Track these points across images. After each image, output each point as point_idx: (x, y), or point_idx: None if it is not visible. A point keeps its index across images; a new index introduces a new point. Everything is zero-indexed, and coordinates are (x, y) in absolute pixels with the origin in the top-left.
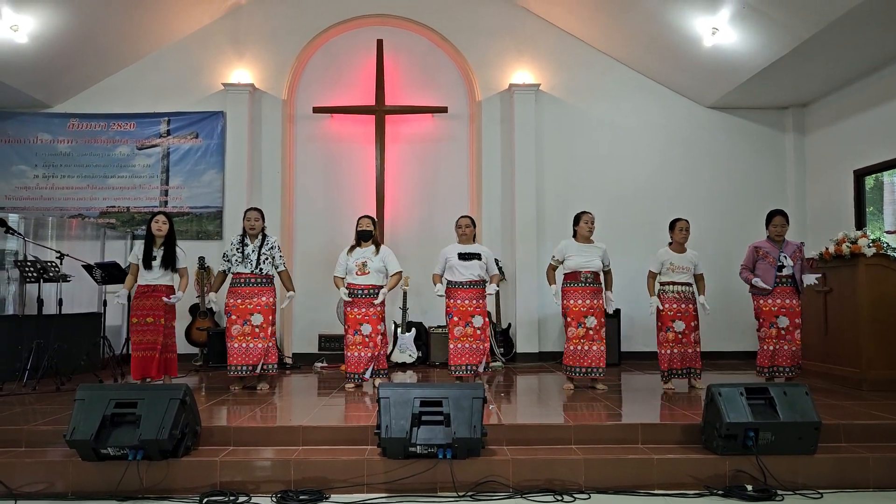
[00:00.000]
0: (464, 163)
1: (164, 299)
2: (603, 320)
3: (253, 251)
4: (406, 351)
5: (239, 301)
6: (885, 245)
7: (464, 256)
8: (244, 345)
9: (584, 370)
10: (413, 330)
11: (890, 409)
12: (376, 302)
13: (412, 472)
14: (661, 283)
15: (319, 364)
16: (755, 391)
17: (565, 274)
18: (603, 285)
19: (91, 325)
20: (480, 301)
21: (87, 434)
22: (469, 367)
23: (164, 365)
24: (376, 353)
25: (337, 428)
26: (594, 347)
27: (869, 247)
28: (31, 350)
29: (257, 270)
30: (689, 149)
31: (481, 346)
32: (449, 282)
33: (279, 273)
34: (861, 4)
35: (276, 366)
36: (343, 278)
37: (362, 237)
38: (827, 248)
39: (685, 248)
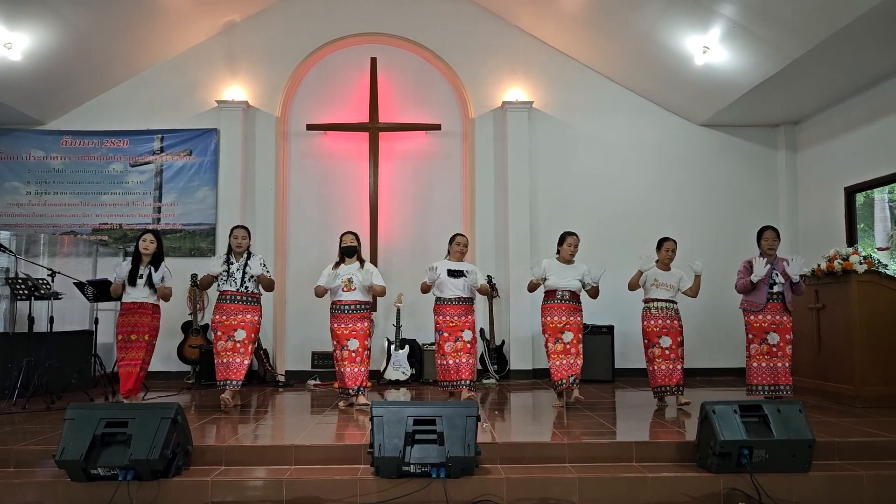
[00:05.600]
0: (457, 180)
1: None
2: (580, 336)
3: (238, 269)
4: (399, 368)
5: (224, 318)
6: (876, 262)
7: (453, 273)
8: (227, 360)
9: (569, 380)
10: (406, 347)
11: (884, 427)
12: (376, 280)
13: (406, 491)
14: (646, 301)
15: (313, 381)
16: (749, 409)
17: (545, 292)
18: (581, 304)
19: (82, 342)
20: (469, 317)
21: (77, 454)
22: (462, 383)
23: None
24: (365, 368)
25: (330, 447)
26: (572, 360)
27: (860, 263)
28: (22, 368)
29: (242, 288)
30: (682, 166)
31: (471, 360)
32: (437, 298)
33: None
34: (850, 24)
35: (240, 382)
36: (325, 288)
37: (346, 253)
38: (819, 265)
39: (671, 267)
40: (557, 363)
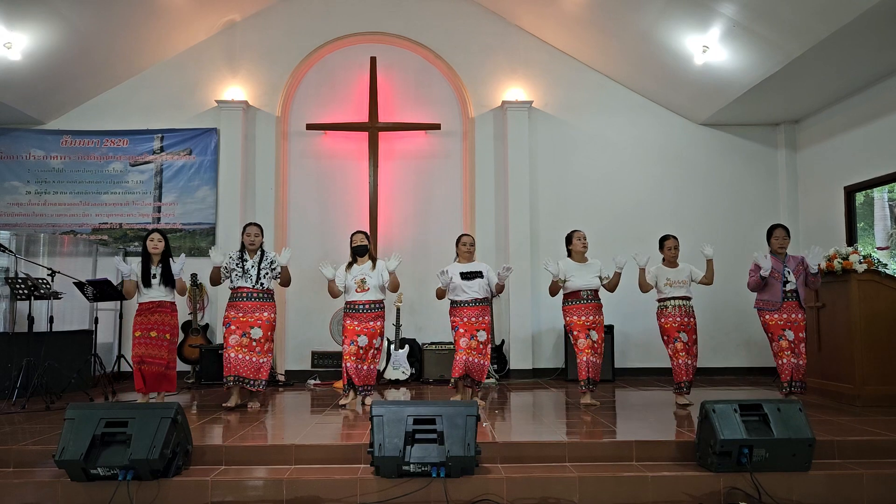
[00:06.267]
0: (457, 179)
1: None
2: (603, 335)
3: (252, 266)
4: (399, 368)
5: (240, 314)
6: (876, 261)
7: (466, 276)
8: (240, 356)
9: (592, 382)
10: (406, 347)
11: (884, 426)
12: (391, 267)
13: (406, 490)
14: (660, 300)
15: (312, 381)
16: (749, 408)
17: (565, 294)
18: (602, 301)
19: (82, 342)
20: (484, 318)
21: (77, 454)
22: (470, 381)
23: (168, 381)
24: (371, 367)
25: (330, 446)
26: (598, 360)
27: (860, 263)
28: (21, 368)
29: (258, 285)
30: (682, 165)
31: (484, 362)
32: (452, 301)
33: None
34: (849, 23)
35: (266, 383)
36: (337, 287)
37: (358, 253)
38: (819, 265)
39: (677, 263)
40: (588, 360)
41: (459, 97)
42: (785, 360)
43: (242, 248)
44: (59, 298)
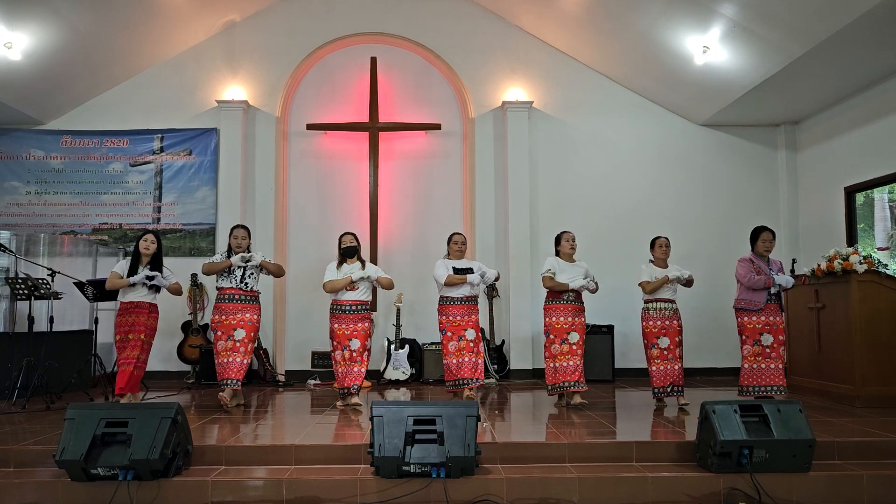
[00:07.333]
0: (457, 180)
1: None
2: (584, 337)
3: (237, 266)
4: (399, 368)
5: (223, 317)
6: (876, 262)
7: (459, 272)
8: (227, 360)
9: (569, 384)
10: (406, 347)
11: (884, 427)
12: (360, 276)
13: (406, 491)
14: (646, 301)
15: (312, 381)
16: (749, 408)
17: (549, 291)
18: (584, 303)
19: (82, 342)
20: (472, 316)
21: (77, 454)
22: (463, 382)
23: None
24: (362, 369)
25: (330, 447)
26: (575, 362)
27: (860, 263)
28: (22, 368)
29: (241, 286)
30: (682, 166)
31: (475, 360)
32: (442, 297)
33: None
34: (849, 24)
35: (240, 381)
36: (338, 281)
37: (347, 254)
38: (819, 265)
39: (667, 264)
40: (557, 365)
41: (459, 97)
42: (751, 366)
43: (229, 250)
44: (59, 298)
